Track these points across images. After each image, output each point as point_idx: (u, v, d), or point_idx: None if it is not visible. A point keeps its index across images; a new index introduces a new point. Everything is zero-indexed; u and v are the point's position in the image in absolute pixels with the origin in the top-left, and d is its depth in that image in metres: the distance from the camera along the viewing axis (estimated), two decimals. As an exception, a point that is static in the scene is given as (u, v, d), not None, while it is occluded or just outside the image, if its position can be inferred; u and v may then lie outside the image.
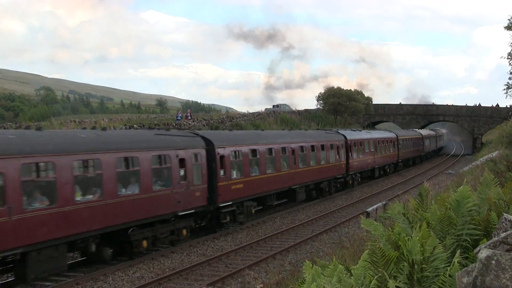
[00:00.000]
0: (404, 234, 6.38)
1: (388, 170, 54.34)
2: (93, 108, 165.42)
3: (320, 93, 78.46)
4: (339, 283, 5.45)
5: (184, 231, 23.06)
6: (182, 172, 22.63)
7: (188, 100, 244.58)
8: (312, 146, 35.52)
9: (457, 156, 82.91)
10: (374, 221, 7.37)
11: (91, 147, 18.76)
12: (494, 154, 39.04)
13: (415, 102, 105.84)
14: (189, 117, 56.57)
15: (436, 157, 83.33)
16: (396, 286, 4.96)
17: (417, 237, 5.75)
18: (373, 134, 51.51)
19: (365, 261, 5.72)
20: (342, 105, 75.36)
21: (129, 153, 20.12)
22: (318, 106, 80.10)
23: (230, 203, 25.92)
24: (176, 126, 49.21)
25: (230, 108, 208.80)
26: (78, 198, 17.75)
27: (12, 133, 18.70)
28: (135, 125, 48.41)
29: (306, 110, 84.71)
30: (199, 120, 56.88)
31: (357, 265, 5.72)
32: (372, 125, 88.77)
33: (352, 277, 5.60)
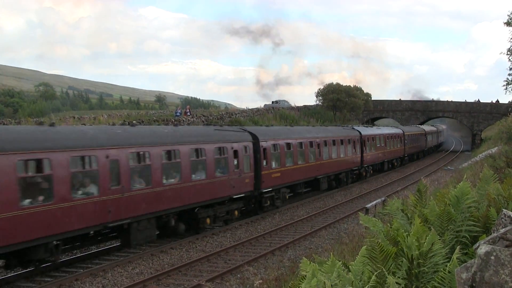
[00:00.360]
0: (403, 230, 6.38)
1: (395, 163, 58.78)
2: (92, 104, 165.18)
3: (319, 89, 78.41)
4: (338, 279, 5.45)
5: (236, 212, 27.22)
6: (235, 162, 26.68)
7: (187, 96, 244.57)
8: (333, 141, 39.63)
9: (456, 152, 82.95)
10: (373, 217, 7.37)
11: (172, 140, 23.05)
12: (494, 150, 39.08)
13: (410, 97, 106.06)
14: (188, 113, 56.51)
15: (435, 153, 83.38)
16: (395, 282, 4.95)
17: (412, 232, 5.75)
18: (383, 130, 56.08)
19: (364, 256, 5.72)
20: (341, 101, 75.30)
21: (198, 145, 24.30)
22: (317, 102, 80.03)
23: (270, 189, 29.89)
24: (175, 122, 49.19)
25: (229, 104, 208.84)
26: (164, 181, 21.82)
27: (118, 128, 23.22)
28: (134, 121, 48.41)
29: (305, 106, 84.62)
30: (198, 116, 56.83)
31: (355, 261, 5.72)
32: (371, 121, 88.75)
33: (350, 273, 5.60)
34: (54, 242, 17.09)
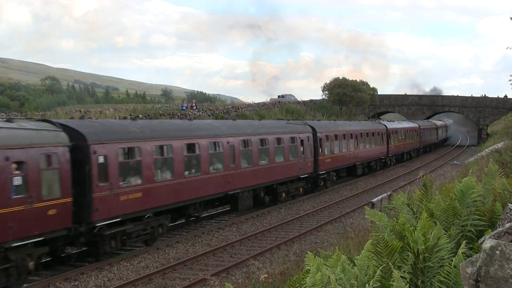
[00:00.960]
0: (409, 225, 6.37)
1: (413, 154, 63.63)
2: (98, 98, 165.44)
3: (325, 84, 78.32)
4: (344, 273, 5.45)
5: (301, 189, 33.66)
6: (301, 149, 32.95)
7: (193, 90, 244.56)
8: (367, 133, 45.60)
9: (462, 147, 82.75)
10: (379, 212, 7.37)
11: (262, 131, 29.57)
12: (500, 145, 38.98)
13: (410, 90, 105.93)
14: (194, 107, 56.54)
15: (441, 148, 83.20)
16: (400, 276, 4.95)
17: (419, 227, 5.75)
18: (403, 124, 61.29)
19: (369, 251, 5.72)
20: (347, 96, 75.20)
21: (279, 135, 30.66)
22: (324, 96, 79.92)
23: (324, 172, 36.13)
24: (181, 116, 49.25)
25: (235, 98, 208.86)
26: (262, 161, 28.60)
27: (229, 122, 30.36)
28: (140, 115, 48.46)
29: (311, 101, 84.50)
30: (204, 110, 56.84)
31: (361, 255, 5.72)
32: (377, 116, 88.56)
33: (355, 267, 5.60)
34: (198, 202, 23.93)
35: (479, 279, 3.91)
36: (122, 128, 20.66)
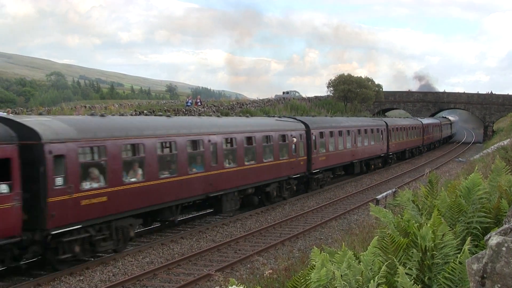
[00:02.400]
0: (414, 221, 6.36)
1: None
2: (103, 93, 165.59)
3: (330, 80, 78.32)
4: (349, 269, 5.45)
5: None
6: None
7: (198, 86, 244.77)
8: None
9: (467, 144, 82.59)
10: (384, 208, 7.36)
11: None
12: (506, 142, 38.89)
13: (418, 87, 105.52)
14: (199, 103, 56.57)
15: (447, 145, 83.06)
16: (405, 273, 4.95)
17: (429, 224, 5.73)
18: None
19: (375, 247, 5.72)
20: (352, 92, 75.19)
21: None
22: (328, 92, 79.92)
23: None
24: (186, 112, 49.28)
25: (240, 94, 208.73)
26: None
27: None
28: (145, 111, 48.49)
29: (316, 97, 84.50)
30: (209, 106, 56.88)
31: (366, 252, 5.72)
32: (382, 112, 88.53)
33: (361, 263, 5.60)
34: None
35: (485, 275, 3.90)
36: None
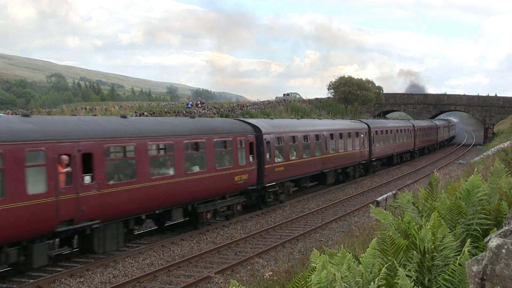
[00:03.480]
0: (414, 223, 6.37)
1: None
2: (104, 95, 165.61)
3: (330, 82, 78.36)
4: (349, 271, 5.46)
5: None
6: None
7: (198, 88, 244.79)
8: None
9: (468, 146, 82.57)
10: (384, 210, 7.36)
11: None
12: (506, 144, 38.91)
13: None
14: (199, 105, 56.60)
15: (447, 147, 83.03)
16: (405, 275, 4.95)
17: (429, 226, 5.74)
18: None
19: (374, 249, 5.72)
20: (352, 94, 75.21)
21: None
22: (329, 94, 79.96)
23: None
24: (186, 114, 49.27)
25: (240, 96, 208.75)
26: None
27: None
28: (145, 113, 48.49)
29: (316, 99, 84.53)
30: (209, 108, 56.90)
31: (366, 253, 5.72)
32: (382, 114, 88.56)
33: (361, 265, 5.61)
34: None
35: (484, 277, 3.91)
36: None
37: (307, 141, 33.38)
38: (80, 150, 17.52)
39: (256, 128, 28.38)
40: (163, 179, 20.81)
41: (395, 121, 63.22)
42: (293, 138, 31.81)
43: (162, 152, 21.64)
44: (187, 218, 24.01)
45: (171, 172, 21.36)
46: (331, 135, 36.92)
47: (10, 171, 15.39)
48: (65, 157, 17.05)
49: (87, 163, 17.78)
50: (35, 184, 16.06)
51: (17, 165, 15.56)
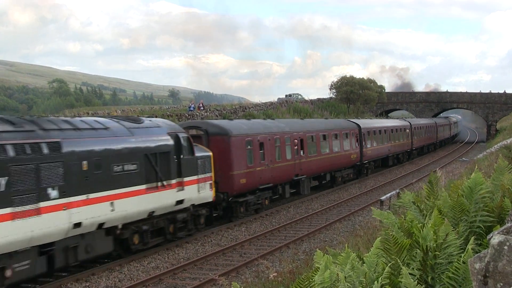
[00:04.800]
0: (417, 222, 6.38)
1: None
2: (106, 99, 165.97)
3: (332, 82, 78.36)
4: (352, 271, 5.47)
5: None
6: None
7: (200, 91, 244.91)
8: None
9: (471, 143, 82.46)
10: (386, 211, 7.38)
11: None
12: (509, 140, 38.86)
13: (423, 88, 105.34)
14: (202, 108, 56.61)
15: (450, 144, 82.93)
16: (409, 273, 4.97)
17: (431, 224, 5.75)
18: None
19: (378, 248, 5.74)
20: (355, 94, 75.17)
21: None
22: (331, 94, 79.95)
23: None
24: (189, 117, 49.32)
25: (242, 98, 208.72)
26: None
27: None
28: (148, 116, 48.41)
29: (318, 99, 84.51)
30: (211, 110, 56.91)
31: (370, 253, 5.74)
32: (385, 113, 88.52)
33: (364, 264, 5.62)
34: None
35: (487, 274, 3.92)
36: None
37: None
38: (299, 137, 32.66)
39: (357, 125, 42.22)
40: (326, 155, 36.08)
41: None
42: (376, 131, 46.16)
43: (322, 139, 36.00)
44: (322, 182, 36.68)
45: (327, 150, 36.35)
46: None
47: (282, 147, 30.52)
48: (296, 141, 32.03)
49: (301, 144, 32.84)
50: (289, 154, 31.17)
51: (285, 143, 30.85)
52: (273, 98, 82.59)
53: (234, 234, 23.84)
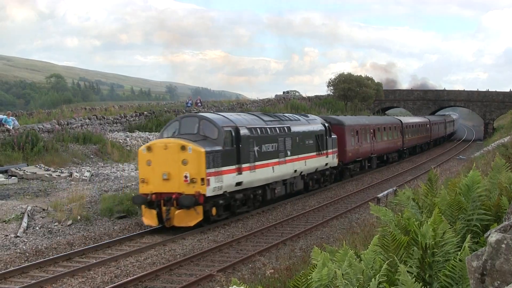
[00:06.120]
0: (414, 219, 6.38)
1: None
2: (104, 95, 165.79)
3: (330, 79, 78.42)
4: (350, 268, 5.47)
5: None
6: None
7: (198, 87, 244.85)
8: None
9: (468, 142, 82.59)
10: (384, 207, 7.38)
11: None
12: (506, 139, 38.92)
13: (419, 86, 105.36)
14: (199, 104, 56.61)
15: (447, 142, 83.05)
16: (406, 271, 4.97)
17: (430, 222, 5.76)
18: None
19: (375, 245, 5.74)
20: (352, 91, 75.24)
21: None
22: (329, 92, 80.00)
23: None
24: (186, 112, 49.24)
25: (240, 94, 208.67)
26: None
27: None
28: (145, 112, 48.49)
29: (316, 96, 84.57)
30: (209, 106, 56.91)
31: (367, 250, 5.74)
32: (382, 111, 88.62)
33: (362, 261, 5.62)
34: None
35: (484, 272, 3.93)
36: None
37: (419, 127, 63.94)
38: (372, 128, 45.33)
39: (400, 120, 55.34)
40: (384, 141, 48.63)
41: (416, 117, 71.78)
42: (412, 125, 59.93)
43: (377, 131, 47.11)
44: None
45: (385, 138, 49.01)
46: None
47: (366, 134, 43.15)
48: (371, 131, 44.68)
49: (374, 133, 45.40)
50: (369, 139, 44.28)
51: (367, 132, 43.94)
52: (271, 95, 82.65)
53: (230, 230, 23.84)
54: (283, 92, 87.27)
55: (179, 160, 22.09)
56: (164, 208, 22.34)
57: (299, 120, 32.81)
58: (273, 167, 27.66)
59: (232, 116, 26.48)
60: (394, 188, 27.77)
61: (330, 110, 70.24)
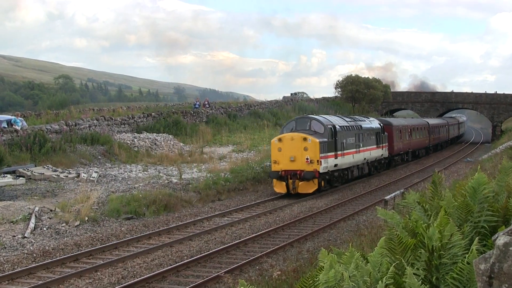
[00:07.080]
0: (421, 222, 6.37)
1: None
2: (111, 96, 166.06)
3: (338, 81, 78.38)
4: (357, 270, 5.46)
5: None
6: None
7: (206, 88, 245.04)
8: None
9: (476, 144, 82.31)
10: (391, 210, 7.37)
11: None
12: (514, 141, 38.74)
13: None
14: (207, 105, 56.66)
15: (455, 145, 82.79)
16: (413, 273, 4.96)
17: (436, 224, 5.74)
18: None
19: (382, 248, 5.73)
20: (360, 93, 75.16)
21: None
22: (336, 93, 79.93)
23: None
24: (194, 114, 49.32)
25: (247, 96, 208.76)
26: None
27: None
28: (153, 113, 48.58)
29: (324, 98, 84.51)
30: (217, 108, 56.94)
31: (374, 252, 5.73)
32: (390, 113, 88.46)
33: (369, 264, 5.61)
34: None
35: (492, 275, 3.91)
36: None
37: (441, 127, 71.81)
38: (409, 128, 54.31)
39: (427, 122, 63.54)
40: (417, 139, 56.55)
41: (437, 119, 79.21)
42: (435, 126, 67.44)
43: (412, 130, 55.15)
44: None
45: (417, 136, 56.80)
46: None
47: (406, 133, 52.58)
48: (409, 130, 52.55)
49: (410, 132, 55.01)
50: (408, 137, 53.66)
51: (406, 131, 53.40)
52: (278, 96, 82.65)
53: (237, 232, 23.83)
54: (291, 94, 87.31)
55: (302, 147, 31.34)
56: (290, 181, 31.60)
57: (365, 120, 42.33)
58: (353, 155, 36.99)
59: (328, 117, 36.74)
60: (402, 190, 27.71)
61: (337, 112, 70.15)
